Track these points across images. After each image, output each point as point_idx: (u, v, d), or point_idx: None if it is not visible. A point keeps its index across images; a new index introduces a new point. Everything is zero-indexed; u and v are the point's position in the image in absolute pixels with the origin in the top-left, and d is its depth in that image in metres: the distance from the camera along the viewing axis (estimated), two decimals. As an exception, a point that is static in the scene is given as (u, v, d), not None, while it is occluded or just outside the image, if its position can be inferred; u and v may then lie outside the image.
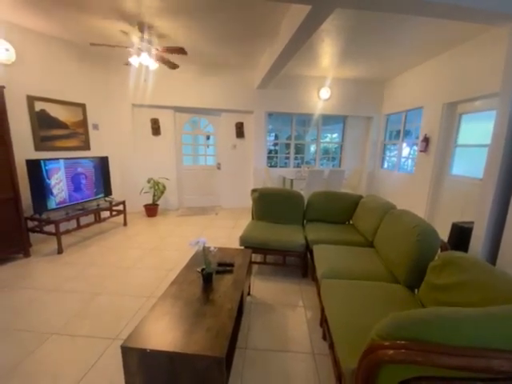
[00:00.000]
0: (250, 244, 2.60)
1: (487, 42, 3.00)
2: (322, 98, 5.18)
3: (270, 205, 3.17)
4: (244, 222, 4.15)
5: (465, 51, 3.33)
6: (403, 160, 4.98)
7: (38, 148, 3.37)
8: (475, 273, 1.28)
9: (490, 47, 2.97)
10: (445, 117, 3.69)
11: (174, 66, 3.65)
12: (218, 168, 5.43)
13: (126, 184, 4.78)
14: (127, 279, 2.54)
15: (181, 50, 3.07)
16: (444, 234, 2.74)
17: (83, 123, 4.02)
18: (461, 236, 2.52)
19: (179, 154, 5.19)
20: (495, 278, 1.21)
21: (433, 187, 3.90)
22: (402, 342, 0.86)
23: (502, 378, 0.89)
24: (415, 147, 4.52)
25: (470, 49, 3.26)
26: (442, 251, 1.76)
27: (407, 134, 4.87)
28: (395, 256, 1.91)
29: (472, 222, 2.42)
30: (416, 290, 1.71)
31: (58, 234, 3.03)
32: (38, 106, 3.36)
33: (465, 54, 3.33)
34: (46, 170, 3.11)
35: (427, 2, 1.87)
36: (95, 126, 4.25)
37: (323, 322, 1.83)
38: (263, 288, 2.45)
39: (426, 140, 3.94)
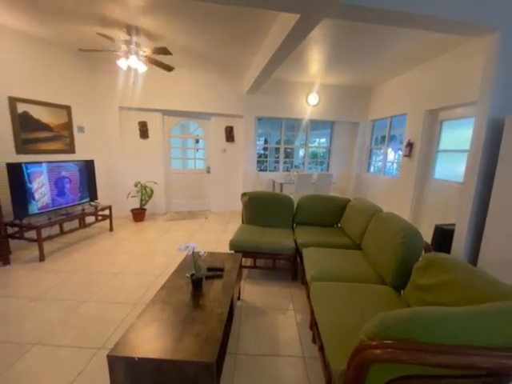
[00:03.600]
0: (239, 248, 2.59)
1: (467, 53, 3.17)
2: (310, 104, 5.28)
3: (260, 208, 3.18)
4: (234, 226, 4.14)
5: (446, 61, 3.50)
6: (389, 164, 5.13)
7: (19, 151, 3.25)
8: (457, 273, 1.33)
9: (469, 57, 3.13)
10: (427, 123, 3.85)
11: (169, 68, 3.59)
12: (208, 172, 5.40)
13: (113, 188, 4.67)
14: (113, 286, 2.47)
15: (164, 50, 3.03)
16: (428, 236, 2.84)
17: (68, 126, 3.91)
18: (443, 237, 2.62)
19: (168, 158, 5.13)
20: (475, 277, 1.26)
21: (417, 190, 4.04)
22: (389, 342, 0.88)
23: (485, 375, 0.93)
24: (400, 152, 4.68)
25: (450, 59, 3.42)
26: (425, 252, 1.82)
27: (392, 139, 5.03)
28: (382, 258, 1.96)
29: (454, 224, 2.53)
30: (402, 291, 1.76)
31: (39, 241, 2.91)
32: (21, 107, 3.25)
33: (446, 64, 3.50)
34: (28, 174, 3.00)
35: (409, 13, 1.96)
36: (81, 129, 4.14)
37: (313, 324, 1.85)
38: (253, 292, 2.45)
39: (410, 145, 4.08)
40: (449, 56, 3.43)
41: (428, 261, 1.53)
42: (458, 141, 3.49)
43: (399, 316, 0.91)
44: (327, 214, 3.17)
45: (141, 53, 3.19)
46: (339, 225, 3.18)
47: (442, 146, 3.78)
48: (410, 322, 0.88)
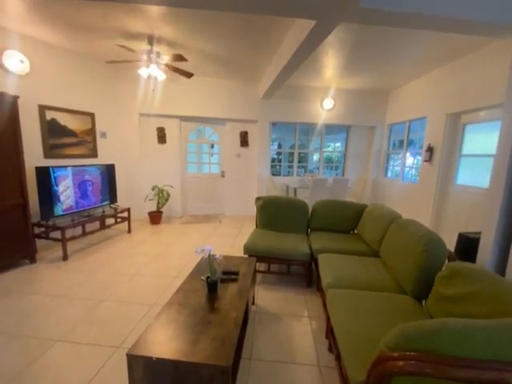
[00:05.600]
0: (254, 252, 2.59)
1: (490, 54, 3.05)
2: (325, 109, 5.25)
3: (275, 213, 3.17)
4: (248, 230, 4.14)
5: (468, 63, 3.37)
6: (407, 169, 4.98)
7: (47, 155, 3.44)
8: (484, 284, 1.27)
9: (493, 58, 3.01)
10: (448, 127, 3.71)
11: (188, 75, 3.66)
12: (222, 176, 5.47)
13: (131, 191, 4.82)
14: (131, 286, 2.54)
15: (180, 57, 3.12)
16: (450, 244, 2.71)
17: (91, 131, 4.11)
18: (468, 246, 2.49)
19: (184, 162, 5.25)
20: (505, 289, 1.19)
21: (438, 197, 3.88)
22: (412, 354, 0.85)
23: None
24: (419, 157, 4.53)
25: (473, 60, 3.30)
26: (449, 261, 1.74)
27: (411, 143, 4.89)
28: (402, 266, 1.90)
29: (479, 233, 2.40)
30: (424, 301, 1.69)
31: (63, 241, 3.05)
32: (49, 114, 3.45)
33: (468, 66, 3.37)
34: (55, 177, 3.16)
35: (431, 16, 1.92)
36: (103, 135, 4.33)
37: (329, 333, 1.81)
38: (267, 297, 2.43)
39: (430, 150, 3.95)
40: (471, 57, 3.31)
41: (452, 270, 1.46)
42: (483, 145, 3.34)
43: (423, 327, 0.87)
44: (343, 219, 3.11)
45: (161, 61, 3.31)
46: (355, 231, 3.11)
47: (465, 151, 3.63)
48: (436, 334, 0.84)
